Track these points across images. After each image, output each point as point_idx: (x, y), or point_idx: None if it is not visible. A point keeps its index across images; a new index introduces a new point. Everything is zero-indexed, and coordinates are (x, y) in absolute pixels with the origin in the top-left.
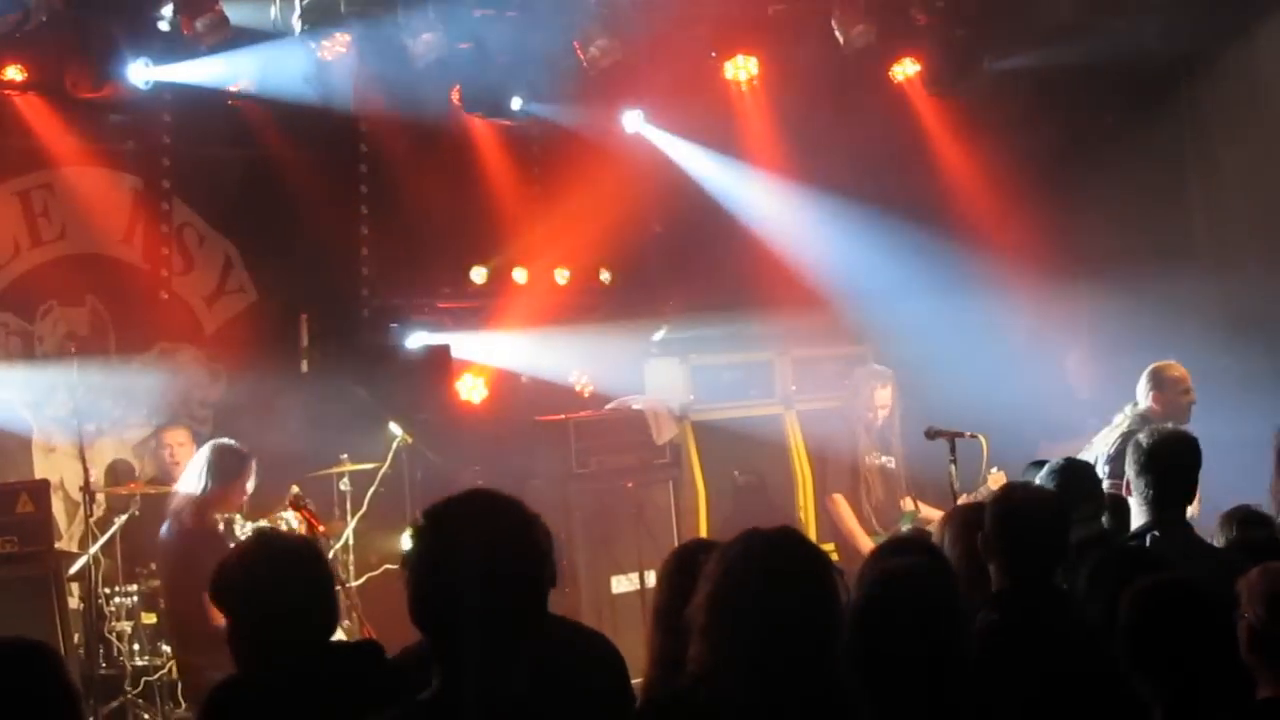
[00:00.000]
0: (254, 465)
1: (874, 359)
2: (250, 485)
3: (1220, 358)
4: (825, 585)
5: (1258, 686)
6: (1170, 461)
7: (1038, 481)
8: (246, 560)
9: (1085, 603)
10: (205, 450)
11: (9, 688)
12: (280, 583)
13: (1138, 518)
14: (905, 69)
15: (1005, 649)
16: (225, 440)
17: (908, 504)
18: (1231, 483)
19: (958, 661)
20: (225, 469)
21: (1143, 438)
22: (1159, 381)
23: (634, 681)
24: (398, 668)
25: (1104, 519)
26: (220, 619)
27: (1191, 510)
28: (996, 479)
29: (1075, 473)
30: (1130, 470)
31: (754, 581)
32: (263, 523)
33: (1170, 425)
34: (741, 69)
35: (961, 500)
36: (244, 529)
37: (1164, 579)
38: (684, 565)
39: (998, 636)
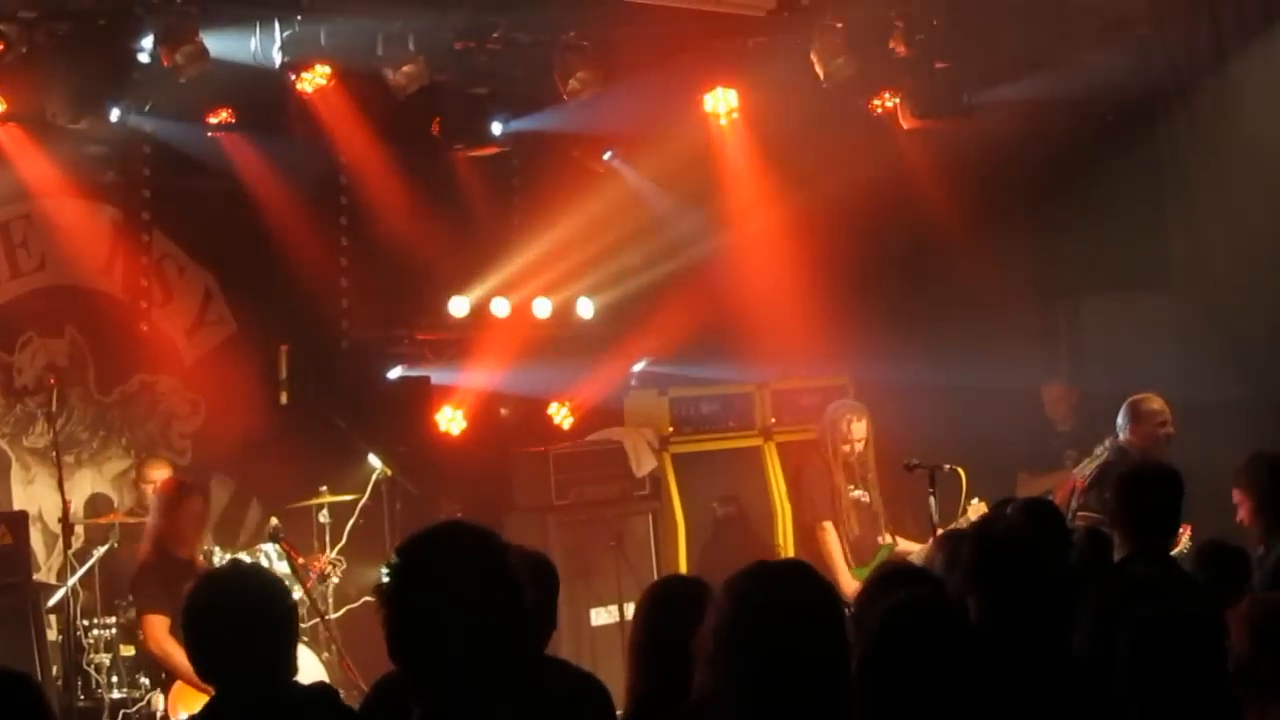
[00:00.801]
0: (198, 497)
1: (852, 391)
2: (197, 516)
3: (1201, 388)
4: (833, 618)
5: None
6: (1149, 494)
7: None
8: (203, 597)
9: (1074, 634)
10: (157, 488)
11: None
12: (238, 620)
13: (1120, 550)
14: (885, 102)
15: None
16: (175, 478)
17: (885, 538)
18: (1211, 514)
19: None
20: (166, 501)
21: (1123, 471)
22: (1136, 414)
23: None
24: (352, 713)
25: (1073, 555)
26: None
27: (1184, 542)
28: (977, 509)
29: (1040, 511)
30: (1112, 504)
31: (763, 612)
32: (242, 554)
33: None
34: (721, 101)
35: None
36: (223, 559)
37: (1165, 609)
38: (661, 601)
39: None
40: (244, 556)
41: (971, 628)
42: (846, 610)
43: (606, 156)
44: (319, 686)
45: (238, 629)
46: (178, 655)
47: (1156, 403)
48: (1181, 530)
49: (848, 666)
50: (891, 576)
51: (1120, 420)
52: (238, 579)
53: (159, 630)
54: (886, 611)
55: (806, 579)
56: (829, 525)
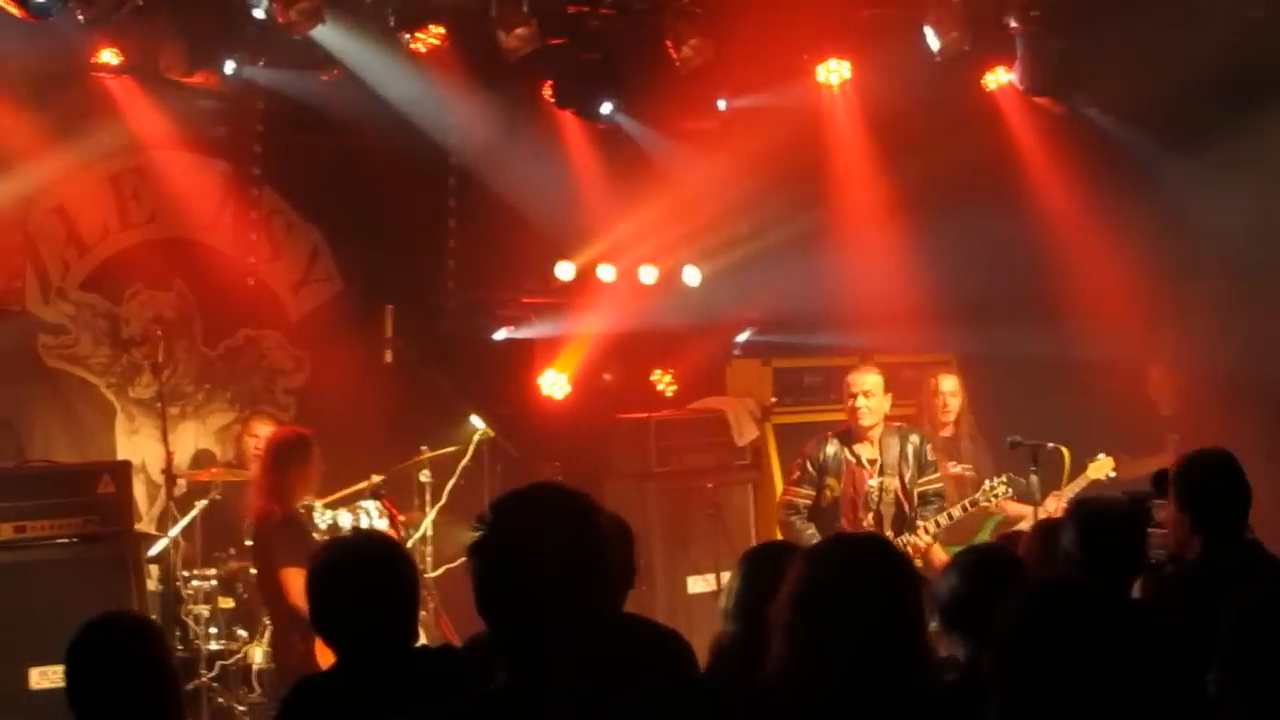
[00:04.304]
0: (316, 449)
1: (955, 366)
2: (316, 468)
3: None
4: (907, 590)
5: None
6: (1214, 479)
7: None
8: (332, 566)
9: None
10: (271, 439)
11: (125, 656)
12: (366, 592)
13: (1193, 538)
14: (998, 77)
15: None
16: (290, 428)
17: (996, 487)
18: None
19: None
20: (291, 457)
21: (1182, 460)
22: None
23: None
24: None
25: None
26: (296, 597)
27: None
28: (1100, 466)
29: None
30: (1177, 492)
31: (839, 582)
32: (343, 511)
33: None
34: (834, 72)
35: (1052, 503)
36: (324, 517)
37: (1267, 595)
38: (762, 563)
39: None
40: (345, 513)
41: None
42: (925, 584)
43: (721, 104)
44: (442, 650)
45: (362, 597)
46: None
47: None
48: None
49: (921, 637)
50: (970, 559)
51: None
52: (364, 546)
53: (299, 583)
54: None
55: (882, 551)
56: (970, 509)
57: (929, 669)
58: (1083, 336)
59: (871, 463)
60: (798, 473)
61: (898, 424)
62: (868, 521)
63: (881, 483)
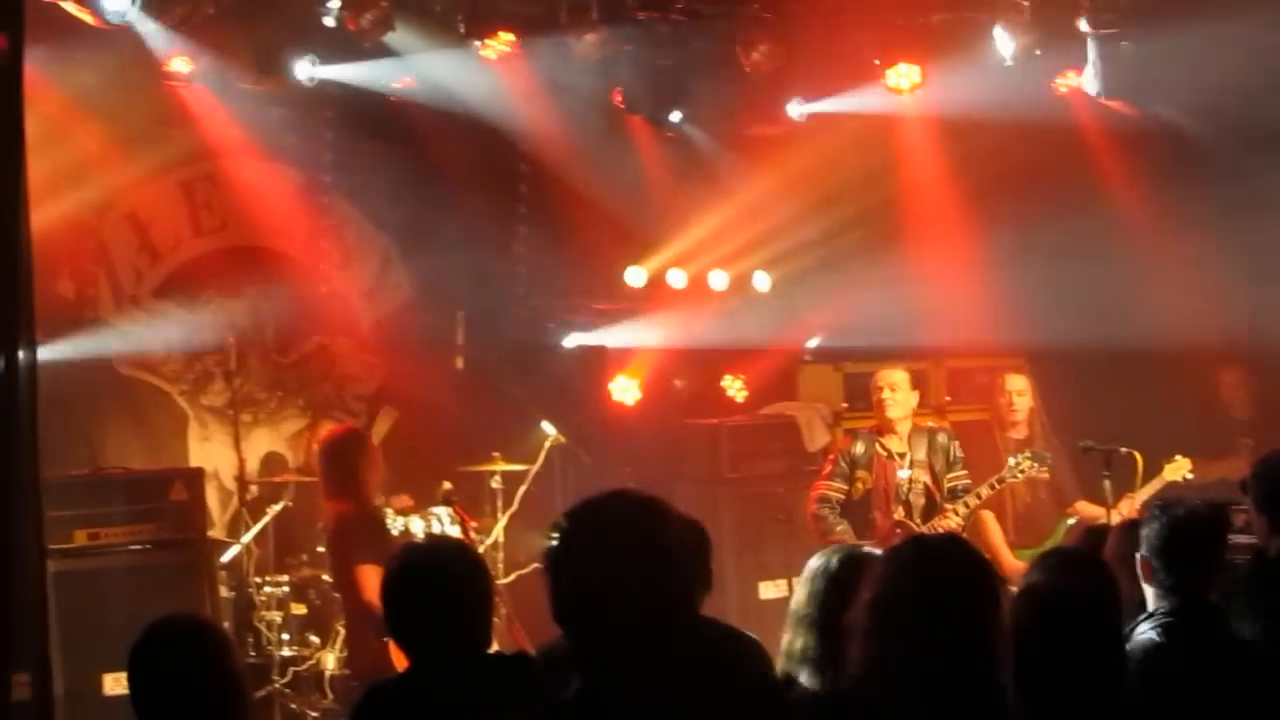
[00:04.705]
0: (373, 445)
1: (1027, 371)
2: (376, 465)
3: None
4: (987, 593)
5: None
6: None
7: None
8: (407, 572)
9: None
10: (326, 440)
11: (185, 659)
12: (440, 599)
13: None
14: (1069, 81)
15: (1169, 668)
16: (339, 426)
17: (1021, 463)
18: None
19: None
20: (352, 453)
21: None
22: None
23: None
24: (546, 684)
25: None
26: (371, 594)
27: None
28: (1176, 468)
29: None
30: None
31: (919, 586)
32: (414, 518)
33: None
34: (904, 77)
35: (1125, 505)
36: (395, 523)
37: None
38: (824, 570)
39: (1159, 655)
40: (416, 519)
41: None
42: (1006, 588)
43: (791, 109)
44: (515, 656)
45: (437, 603)
46: None
47: None
48: None
49: (1001, 640)
50: (1054, 561)
51: None
52: (439, 553)
53: (375, 580)
54: (1029, 596)
55: (962, 554)
56: (987, 513)
57: (1008, 674)
58: (1156, 339)
59: (901, 456)
60: (830, 467)
61: (928, 425)
62: (898, 513)
63: (911, 475)
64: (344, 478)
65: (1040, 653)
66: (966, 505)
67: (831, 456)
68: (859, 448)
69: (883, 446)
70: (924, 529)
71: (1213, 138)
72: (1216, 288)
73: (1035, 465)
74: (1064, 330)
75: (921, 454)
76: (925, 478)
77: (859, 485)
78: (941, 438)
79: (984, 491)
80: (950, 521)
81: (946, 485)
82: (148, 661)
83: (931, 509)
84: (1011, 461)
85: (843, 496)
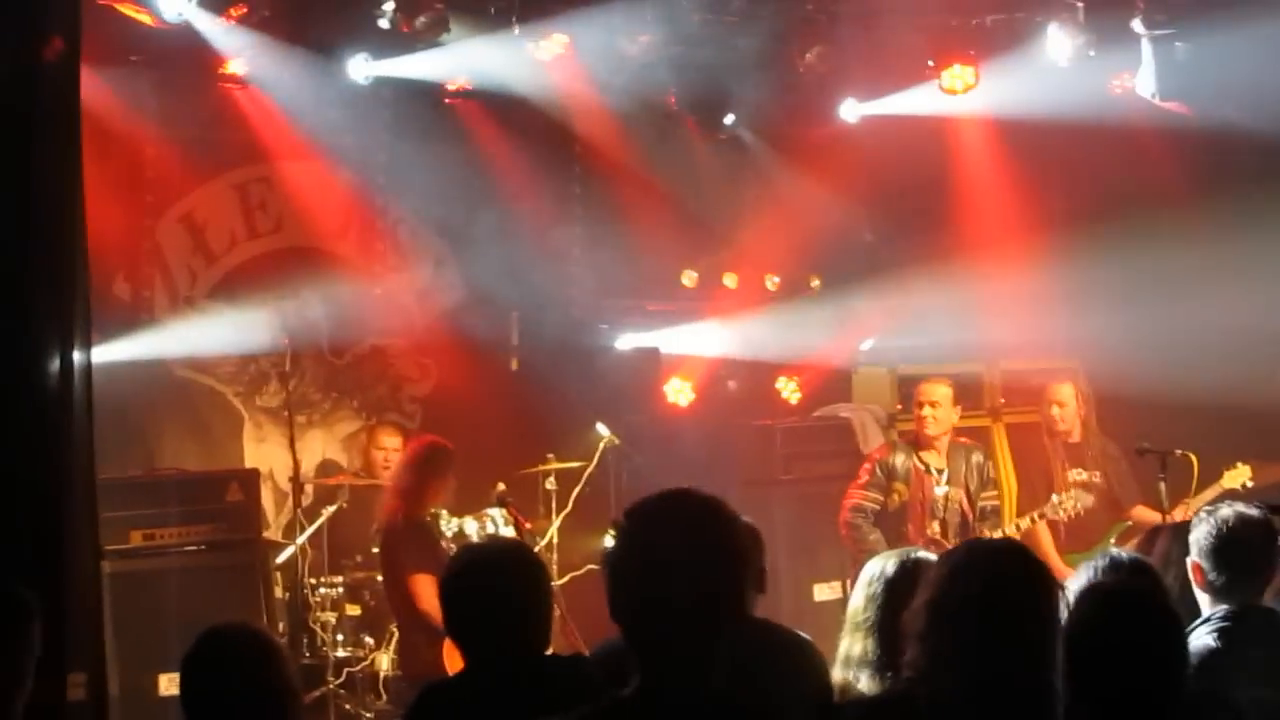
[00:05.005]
0: (454, 463)
1: (1082, 372)
2: (451, 482)
3: None
4: (1046, 596)
5: None
6: None
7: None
8: (468, 573)
9: None
10: (413, 446)
11: (235, 670)
12: (500, 600)
13: None
14: (1123, 81)
15: (1223, 674)
16: (433, 437)
17: (1064, 501)
18: None
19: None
20: (430, 466)
21: None
22: None
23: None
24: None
25: None
26: (425, 603)
27: None
28: (1236, 475)
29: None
30: None
31: (976, 589)
32: (469, 519)
33: None
34: (958, 78)
35: (1180, 513)
36: (450, 525)
37: None
38: (882, 574)
39: (1216, 661)
40: (471, 521)
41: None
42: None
43: (844, 111)
44: (571, 659)
45: (497, 604)
46: None
47: None
48: None
49: (1056, 643)
50: (1105, 565)
51: None
52: (500, 554)
53: (429, 589)
54: (1085, 597)
55: (1020, 557)
56: (1038, 520)
57: (1062, 676)
58: (1210, 342)
59: (939, 472)
60: (866, 477)
61: (964, 440)
62: (933, 529)
63: (948, 492)
64: (414, 486)
65: (1099, 654)
66: (1003, 531)
67: (868, 466)
68: (898, 459)
69: (921, 460)
70: None
71: (1272, 137)
72: (1274, 289)
73: (1077, 505)
74: (1120, 333)
75: (959, 470)
76: (961, 496)
77: (895, 497)
78: (977, 457)
79: (1024, 523)
80: None
81: (979, 505)
82: (200, 670)
83: (966, 527)
84: (1055, 499)
85: (878, 507)
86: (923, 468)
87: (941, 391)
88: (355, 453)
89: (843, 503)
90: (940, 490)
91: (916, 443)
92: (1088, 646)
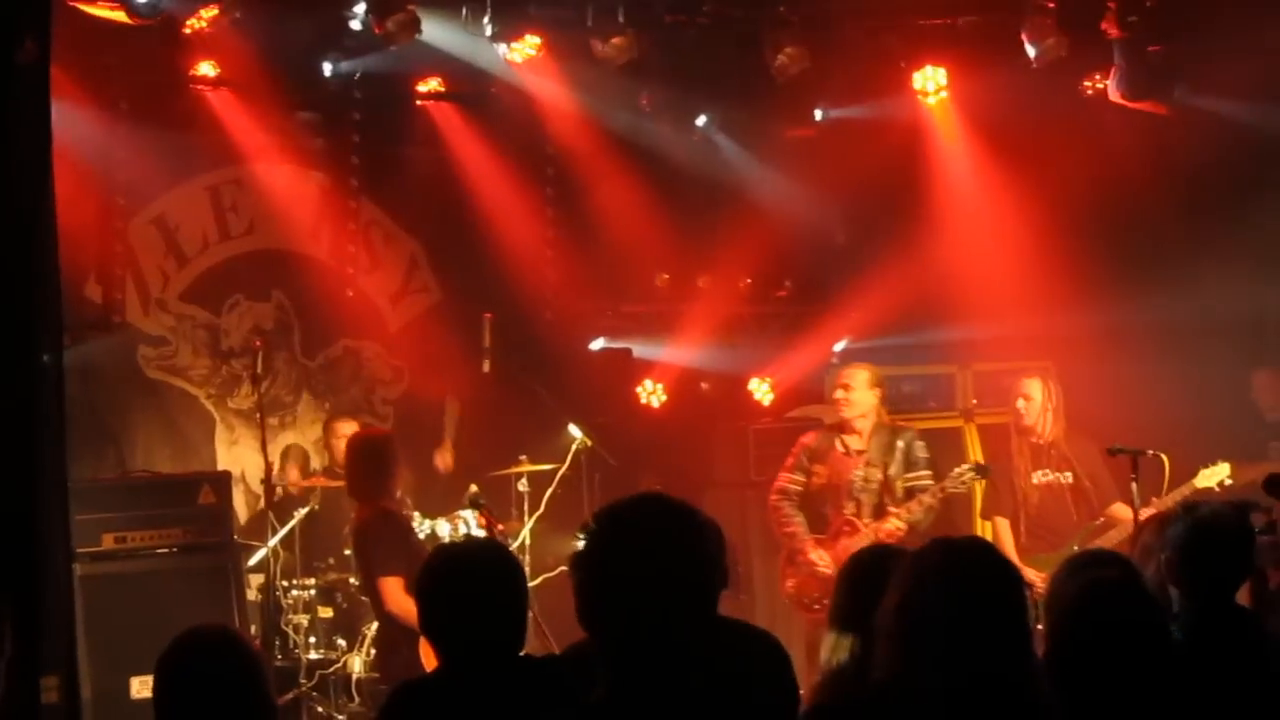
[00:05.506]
0: (397, 448)
1: (1055, 373)
2: (398, 468)
3: None
4: (1014, 594)
5: None
6: None
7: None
8: (443, 573)
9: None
10: (349, 446)
11: (209, 673)
12: (477, 600)
13: None
14: (1096, 84)
15: (1192, 670)
16: (366, 430)
17: (964, 473)
18: None
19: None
20: (374, 459)
21: None
22: None
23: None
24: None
25: None
26: (393, 604)
27: None
28: (1211, 474)
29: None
30: None
31: (945, 588)
32: (441, 521)
33: None
34: (930, 79)
35: (1148, 512)
36: (423, 527)
37: None
38: (866, 569)
39: (1183, 657)
40: (443, 523)
41: (1164, 613)
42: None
43: (818, 112)
44: (548, 660)
45: (473, 604)
46: None
47: None
48: None
49: (1029, 643)
50: (1081, 561)
51: None
52: (477, 554)
53: (397, 590)
54: (1075, 593)
55: (987, 557)
56: (1001, 520)
57: (1036, 675)
58: (1184, 342)
59: (859, 453)
60: (792, 460)
61: (897, 423)
62: (849, 509)
63: (865, 473)
64: (372, 479)
65: (1081, 642)
66: (910, 510)
67: (795, 450)
68: (822, 443)
69: (842, 443)
70: (871, 527)
71: (1238, 142)
72: (1247, 287)
73: (975, 477)
74: (1093, 333)
75: (879, 451)
76: (879, 477)
77: (815, 479)
78: (905, 438)
79: (927, 499)
80: (893, 524)
81: (904, 486)
82: (173, 672)
83: (881, 508)
84: (955, 472)
85: (800, 489)
86: (842, 450)
87: (858, 376)
88: (326, 453)
89: (772, 486)
90: (858, 472)
91: (840, 426)
92: (1069, 635)
